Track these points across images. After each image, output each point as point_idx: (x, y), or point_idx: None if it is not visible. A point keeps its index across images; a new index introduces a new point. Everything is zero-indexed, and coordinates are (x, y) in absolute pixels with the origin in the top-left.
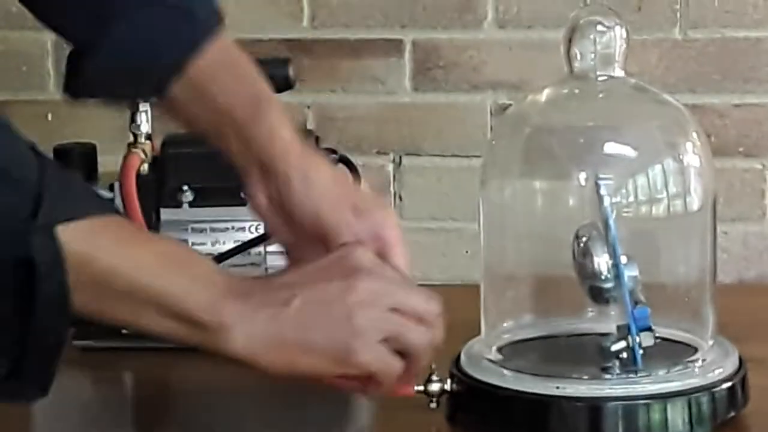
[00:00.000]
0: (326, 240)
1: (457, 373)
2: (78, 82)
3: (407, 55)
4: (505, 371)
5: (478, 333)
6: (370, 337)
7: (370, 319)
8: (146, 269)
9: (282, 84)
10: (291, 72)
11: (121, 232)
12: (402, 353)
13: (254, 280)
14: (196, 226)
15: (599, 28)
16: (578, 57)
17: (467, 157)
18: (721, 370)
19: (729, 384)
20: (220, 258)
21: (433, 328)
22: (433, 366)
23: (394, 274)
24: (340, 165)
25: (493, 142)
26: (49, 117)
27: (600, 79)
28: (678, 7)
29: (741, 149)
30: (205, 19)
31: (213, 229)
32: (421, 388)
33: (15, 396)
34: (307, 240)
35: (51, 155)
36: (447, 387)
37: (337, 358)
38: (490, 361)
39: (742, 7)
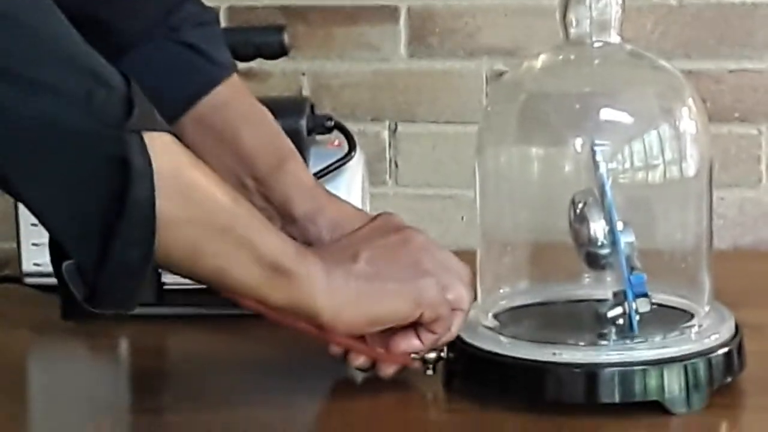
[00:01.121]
0: None
1: (453, 339)
2: None
3: (402, 22)
4: (502, 338)
5: (475, 299)
6: (436, 280)
7: (433, 263)
8: (235, 205)
9: (277, 51)
10: (286, 39)
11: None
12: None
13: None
14: None
15: None
16: (574, 23)
17: (462, 123)
18: (717, 336)
19: (725, 350)
20: None
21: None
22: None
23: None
24: (336, 132)
25: (489, 109)
26: None
27: (596, 45)
28: None
29: (737, 115)
30: (218, 60)
31: None
32: (418, 355)
33: (97, 303)
34: None
35: None
36: (443, 354)
37: (412, 299)
38: (487, 327)
39: None
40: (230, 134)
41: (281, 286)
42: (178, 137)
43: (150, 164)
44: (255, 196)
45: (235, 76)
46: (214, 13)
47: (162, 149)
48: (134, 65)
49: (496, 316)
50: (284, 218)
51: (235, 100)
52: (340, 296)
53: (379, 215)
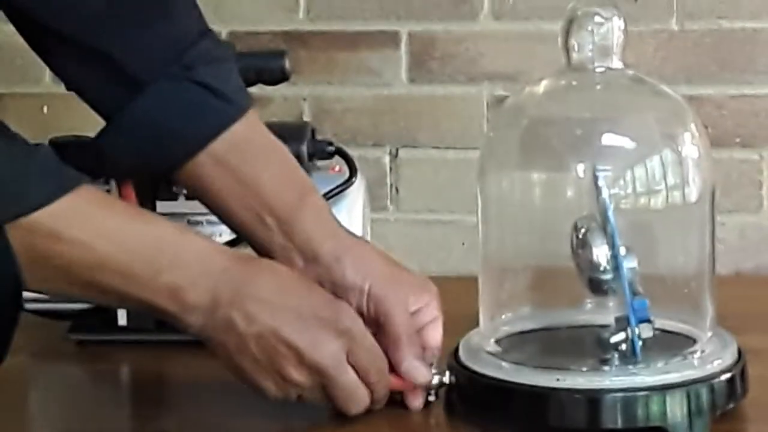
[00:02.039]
0: (380, 316)
1: (455, 365)
2: (88, 157)
3: (403, 47)
4: (504, 363)
5: (477, 325)
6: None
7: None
8: (118, 242)
9: (278, 76)
10: (287, 64)
11: (88, 207)
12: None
13: (239, 269)
14: (192, 218)
15: (597, 19)
16: (576, 48)
17: (464, 149)
18: (720, 361)
19: (728, 375)
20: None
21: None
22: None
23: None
24: (337, 157)
25: (491, 134)
26: (45, 110)
27: (598, 70)
28: None
29: (738, 140)
30: (233, 99)
31: (209, 222)
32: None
33: None
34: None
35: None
36: (446, 379)
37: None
38: (489, 353)
39: None
40: (249, 173)
41: (155, 312)
42: (194, 177)
43: (11, 256)
44: (276, 235)
45: (251, 113)
46: (229, 48)
47: (36, 227)
48: (148, 105)
49: (498, 342)
50: (306, 258)
51: (253, 137)
52: (208, 339)
53: (339, 304)
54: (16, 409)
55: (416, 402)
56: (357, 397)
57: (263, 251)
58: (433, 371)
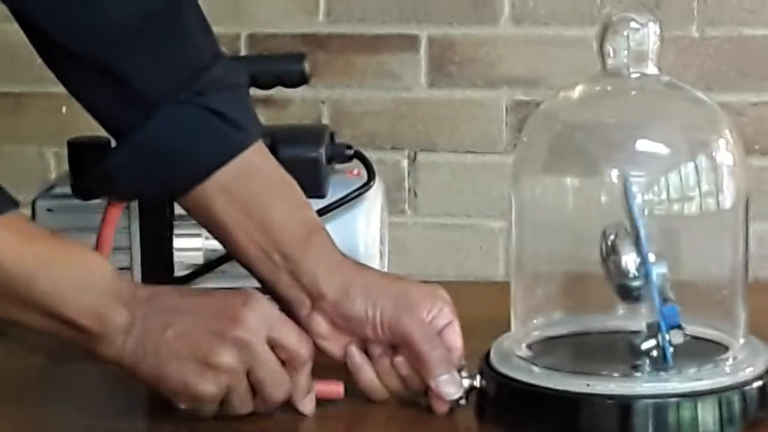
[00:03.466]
0: (398, 339)
1: (486, 369)
2: (94, 177)
3: (423, 51)
4: (535, 368)
5: (504, 330)
6: (219, 393)
7: (225, 377)
8: (30, 269)
9: (297, 79)
10: (306, 67)
11: (9, 232)
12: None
13: (146, 290)
14: None
15: (633, 24)
16: (611, 54)
17: (482, 153)
18: (752, 369)
19: (760, 383)
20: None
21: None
22: (463, 362)
23: (274, 333)
24: (355, 160)
25: (525, 139)
26: (64, 110)
27: (633, 76)
28: (695, 4)
29: (757, 147)
30: (243, 127)
31: None
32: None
33: None
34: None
35: (65, 149)
36: (476, 383)
37: (180, 395)
38: (520, 357)
39: (759, 5)
40: (257, 207)
41: (75, 336)
42: (201, 206)
43: None
44: (283, 273)
45: (261, 143)
46: (243, 74)
47: None
48: (157, 128)
49: (529, 347)
50: (313, 296)
51: (262, 168)
52: (128, 357)
53: (243, 294)
54: (34, 408)
55: (443, 407)
56: (279, 375)
57: (269, 286)
58: (464, 374)
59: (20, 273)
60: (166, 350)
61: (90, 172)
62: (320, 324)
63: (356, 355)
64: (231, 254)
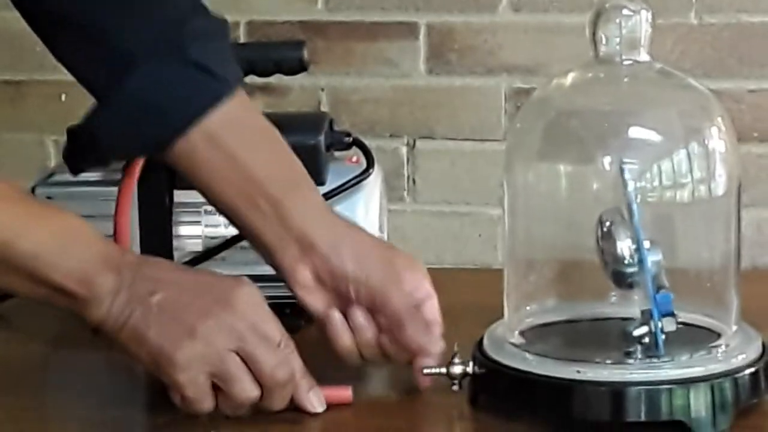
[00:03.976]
0: (377, 300)
1: (479, 356)
2: (82, 140)
3: (422, 38)
4: (528, 355)
5: (499, 316)
6: (197, 365)
7: (207, 351)
8: (7, 230)
9: (296, 66)
10: (305, 54)
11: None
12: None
13: (134, 256)
14: (209, 208)
15: (625, 12)
16: (604, 41)
17: (481, 140)
18: (744, 356)
19: (752, 370)
20: (234, 239)
21: (269, 393)
22: (456, 348)
23: (263, 325)
24: (354, 148)
25: (518, 126)
26: (63, 98)
27: (625, 63)
28: None
29: (756, 134)
30: (223, 77)
31: None
32: (443, 370)
33: None
34: (347, 305)
35: (65, 136)
36: (469, 370)
37: (158, 363)
38: (513, 344)
39: None
40: (243, 154)
41: (64, 301)
42: (186, 157)
43: None
44: (270, 221)
45: (244, 94)
46: (222, 24)
47: None
48: (138, 84)
49: (522, 334)
50: (303, 246)
51: (246, 118)
52: (113, 320)
53: (235, 278)
54: (34, 396)
55: (425, 382)
56: (275, 352)
57: (256, 240)
58: (457, 360)
59: (12, 237)
60: (151, 315)
61: (76, 137)
62: (305, 276)
63: (338, 321)
64: (217, 209)
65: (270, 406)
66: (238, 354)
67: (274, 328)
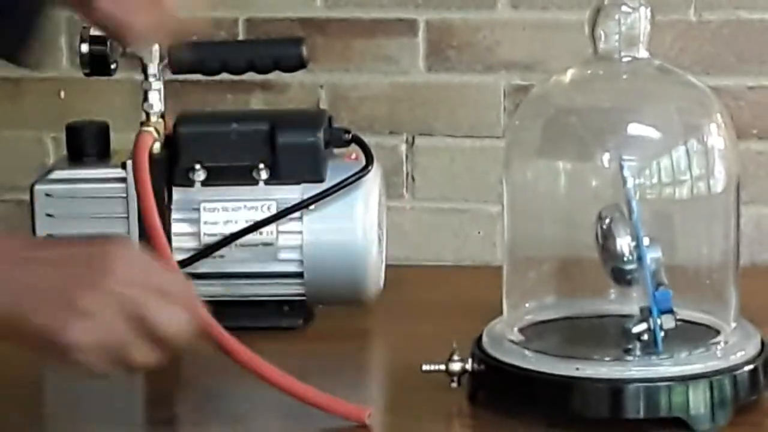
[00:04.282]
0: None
1: (478, 353)
2: None
3: (421, 35)
4: (527, 352)
5: (498, 314)
6: (89, 343)
7: (96, 326)
8: None
9: (295, 63)
10: (304, 51)
11: None
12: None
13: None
14: (208, 205)
15: (624, 8)
16: (603, 38)
17: (480, 137)
18: (743, 352)
19: (751, 367)
20: (232, 237)
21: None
22: (455, 345)
23: (148, 281)
24: (353, 145)
25: (517, 123)
26: (62, 94)
27: (624, 60)
28: None
29: (755, 131)
30: None
31: (225, 209)
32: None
33: None
34: None
35: (64, 133)
36: (468, 367)
37: (48, 348)
38: (512, 341)
39: None
40: None
41: None
42: None
43: None
44: None
45: None
46: None
47: None
48: None
49: (521, 331)
50: None
51: None
52: None
53: (107, 243)
54: (30, 393)
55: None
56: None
57: None
58: (456, 357)
59: None
60: (26, 297)
61: None
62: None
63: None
64: None
65: (179, 345)
66: (131, 318)
67: (159, 276)
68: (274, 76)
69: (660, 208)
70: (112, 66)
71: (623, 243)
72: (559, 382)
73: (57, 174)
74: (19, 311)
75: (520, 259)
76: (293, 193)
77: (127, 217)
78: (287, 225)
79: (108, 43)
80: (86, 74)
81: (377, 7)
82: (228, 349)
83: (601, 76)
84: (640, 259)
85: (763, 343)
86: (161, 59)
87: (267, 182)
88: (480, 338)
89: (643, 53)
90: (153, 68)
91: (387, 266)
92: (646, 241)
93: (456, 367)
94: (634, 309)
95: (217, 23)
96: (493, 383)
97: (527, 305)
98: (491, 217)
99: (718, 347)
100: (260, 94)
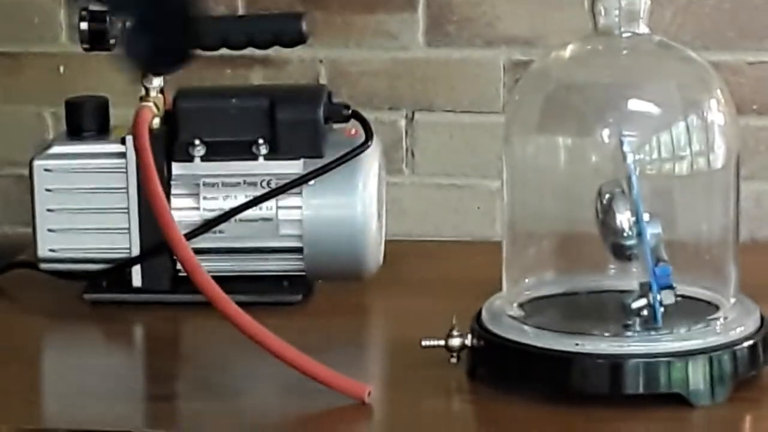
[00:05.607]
0: None
1: (478, 328)
2: None
3: (421, 10)
4: (526, 327)
5: (498, 289)
6: None
7: None
8: None
9: (295, 38)
10: (304, 26)
11: None
12: None
13: None
14: (207, 180)
15: None
16: (603, 13)
17: (480, 113)
18: (742, 328)
19: (750, 342)
20: (232, 212)
21: None
22: (454, 321)
23: None
24: (353, 120)
25: (516, 98)
26: (62, 70)
27: (624, 35)
28: None
29: (755, 107)
30: None
31: (224, 184)
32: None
33: None
34: None
35: (63, 109)
36: (468, 342)
37: None
38: (512, 317)
39: None
40: None
41: None
42: None
43: None
44: None
45: None
46: None
47: None
48: None
49: (521, 306)
50: None
51: None
52: None
53: None
54: (31, 369)
55: None
56: None
57: None
58: (455, 333)
59: None
60: None
61: None
62: None
63: None
64: None
65: None
66: None
67: None
68: (274, 51)
69: (660, 184)
70: (112, 41)
71: (623, 218)
72: (559, 357)
73: (56, 149)
74: None
75: (520, 234)
76: (293, 169)
77: (127, 192)
78: (287, 200)
79: (107, 18)
80: (86, 49)
81: None
82: (235, 321)
83: (601, 51)
84: (639, 234)
85: (762, 319)
86: None
87: (266, 157)
88: (479, 314)
89: (643, 29)
90: None
91: (387, 241)
92: (646, 216)
93: (455, 342)
94: (633, 284)
95: None
96: (493, 359)
97: (527, 281)
98: (491, 192)
99: (718, 323)
100: (260, 69)
